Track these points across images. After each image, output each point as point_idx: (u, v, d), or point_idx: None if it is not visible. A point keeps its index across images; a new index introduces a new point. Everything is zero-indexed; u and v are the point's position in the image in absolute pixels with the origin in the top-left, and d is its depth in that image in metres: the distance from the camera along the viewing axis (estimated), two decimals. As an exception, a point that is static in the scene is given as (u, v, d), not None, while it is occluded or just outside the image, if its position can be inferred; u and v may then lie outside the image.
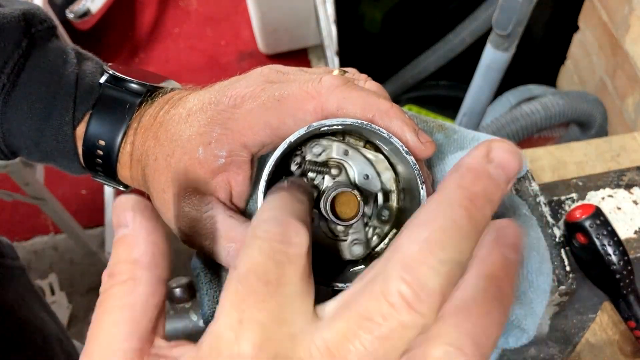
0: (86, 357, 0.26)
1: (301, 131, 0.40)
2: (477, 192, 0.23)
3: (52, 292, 1.96)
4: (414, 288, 0.22)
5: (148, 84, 0.49)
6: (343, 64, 1.85)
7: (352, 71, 0.48)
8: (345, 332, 0.23)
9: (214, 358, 0.24)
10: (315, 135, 0.45)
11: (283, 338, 0.23)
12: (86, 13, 2.38)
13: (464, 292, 0.24)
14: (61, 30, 2.03)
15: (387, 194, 0.45)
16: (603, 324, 0.67)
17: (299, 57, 2.48)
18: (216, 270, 0.50)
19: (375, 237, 0.46)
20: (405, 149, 0.39)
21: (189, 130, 0.43)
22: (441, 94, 1.87)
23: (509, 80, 1.39)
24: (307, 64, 2.45)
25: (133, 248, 0.28)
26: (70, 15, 2.33)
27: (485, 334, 0.23)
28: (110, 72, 0.50)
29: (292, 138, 0.40)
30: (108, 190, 2.07)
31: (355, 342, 0.23)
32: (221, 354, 0.23)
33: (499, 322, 0.24)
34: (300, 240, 0.26)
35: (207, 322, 0.49)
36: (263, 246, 0.25)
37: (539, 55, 1.75)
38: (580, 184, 0.74)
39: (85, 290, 2.01)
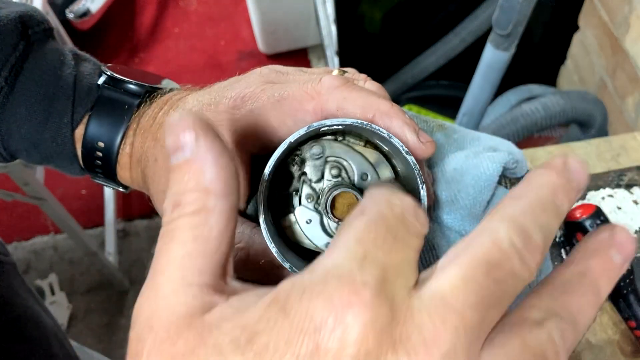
0: (152, 291, 0.24)
1: (301, 132, 0.39)
2: (559, 185, 0.25)
3: (52, 292, 1.96)
4: (523, 238, 0.23)
5: (146, 84, 0.49)
6: (343, 63, 1.85)
7: (351, 71, 0.48)
8: (459, 277, 0.22)
9: (333, 283, 0.22)
10: (314, 136, 0.45)
11: (400, 286, 0.23)
12: (86, 13, 2.38)
13: (561, 275, 0.26)
14: (61, 30, 2.03)
15: None
16: (603, 324, 0.67)
17: (299, 57, 2.48)
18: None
19: None
20: (406, 149, 0.39)
21: None
22: (441, 94, 1.87)
23: (509, 80, 1.39)
24: (307, 63, 2.45)
25: (201, 174, 0.25)
26: (70, 15, 2.33)
27: (580, 312, 0.24)
28: (109, 73, 0.50)
29: (291, 139, 0.39)
30: (108, 191, 2.07)
31: (471, 284, 0.22)
32: (342, 281, 0.22)
33: (595, 305, 0.25)
34: (425, 223, 0.25)
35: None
36: (397, 209, 0.24)
37: (539, 55, 1.75)
38: (581, 183, 0.74)
39: (86, 290, 2.01)
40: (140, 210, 2.14)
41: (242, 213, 0.47)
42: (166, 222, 0.25)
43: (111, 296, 1.99)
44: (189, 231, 0.24)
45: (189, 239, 0.24)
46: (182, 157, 0.25)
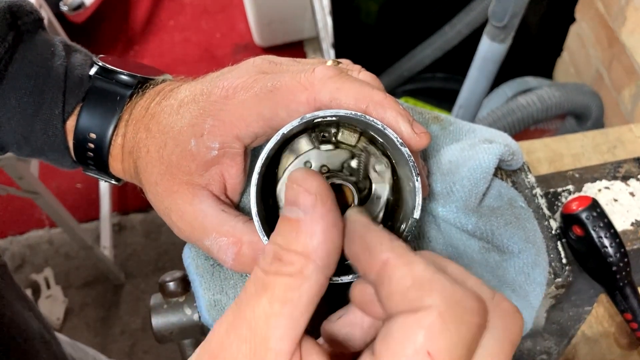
0: (235, 333, 0.26)
1: (294, 123, 0.39)
2: None
3: (48, 286, 1.96)
4: None
5: (139, 75, 0.48)
6: (339, 56, 1.84)
7: (345, 62, 0.47)
8: None
9: None
10: (308, 127, 0.44)
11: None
12: (80, 5, 2.37)
13: None
14: (55, 23, 2.01)
15: (380, 187, 0.45)
16: (599, 317, 0.67)
17: (294, 49, 2.47)
18: (209, 264, 0.49)
19: None
20: (400, 140, 0.39)
21: (180, 121, 0.42)
22: (437, 87, 1.86)
23: (505, 72, 1.39)
24: (302, 56, 2.44)
25: (308, 239, 0.26)
26: (64, 8, 2.31)
27: None
28: (100, 64, 0.49)
29: (285, 130, 0.39)
30: (103, 185, 2.06)
31: None
32: None
33: None
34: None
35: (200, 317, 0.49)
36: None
37: (536, 47, 1.75)
38: (577, 175, 0.74)
39: (81, 284, 2.01)
40: (135, 204, 2.14)
41: (237, 205, 0.47)
42: (263, 270, 0.27)
43: (107, 290, 1.99)
44: (282, 291, 0.26)
45: (279, 298, 0.26)
46: (295, 215, 0.27)
